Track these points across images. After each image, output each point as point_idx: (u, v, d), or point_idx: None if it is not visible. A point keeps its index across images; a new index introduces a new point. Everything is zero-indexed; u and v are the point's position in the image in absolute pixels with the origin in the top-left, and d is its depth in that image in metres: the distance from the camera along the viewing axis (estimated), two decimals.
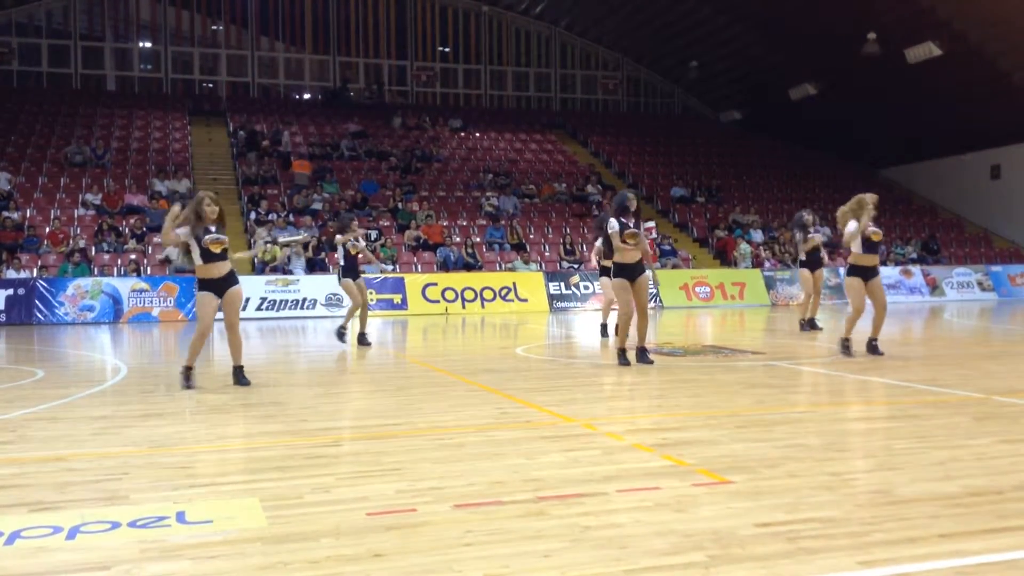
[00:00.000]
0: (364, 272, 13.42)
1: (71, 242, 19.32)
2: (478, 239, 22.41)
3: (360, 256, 12.13)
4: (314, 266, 20.11)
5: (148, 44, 30.72)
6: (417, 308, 19.30)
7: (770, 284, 21.92)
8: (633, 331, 9.26)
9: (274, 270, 19.49)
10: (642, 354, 9.13)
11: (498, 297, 20.07)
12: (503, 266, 21.61)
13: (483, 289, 20.08)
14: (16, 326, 16.84)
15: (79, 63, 29.51)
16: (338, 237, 12.01)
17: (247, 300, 17.92)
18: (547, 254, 22.58)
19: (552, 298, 20.39)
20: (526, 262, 21.57)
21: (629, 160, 29.41)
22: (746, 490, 4.17)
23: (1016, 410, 6.31)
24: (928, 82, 24.84)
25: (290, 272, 19.52)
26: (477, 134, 29.92)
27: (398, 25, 32.41)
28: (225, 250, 7.74)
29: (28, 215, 20.74)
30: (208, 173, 24.50)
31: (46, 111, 26.54)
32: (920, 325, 15.71)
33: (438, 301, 19.58)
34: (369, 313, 13.11)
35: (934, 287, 23.16)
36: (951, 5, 22.75)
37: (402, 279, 19.72)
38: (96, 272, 18.72)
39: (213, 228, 7.69)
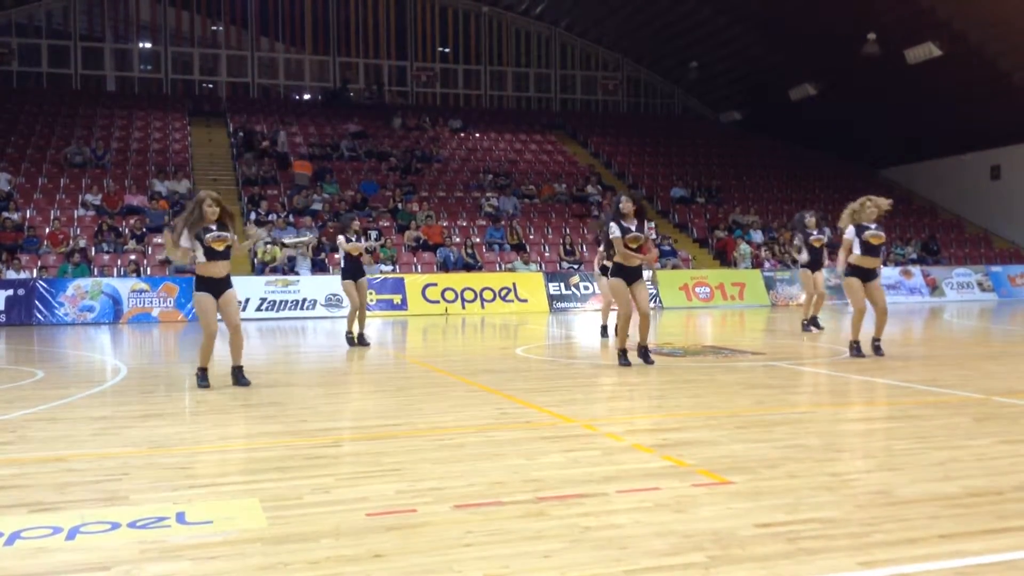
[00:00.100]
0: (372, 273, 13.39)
1: (71, 243, 19.32)
2: (478, 239, 22.41)
3: (361, 256, 12.13)
4: (314, 266, 20.13)
5: (148, 45, 30.73)
6: (417, 308, 19.30)
7: (770, 284, 21.91)
8: (634, 331, 9.25)
9: (274, 270, 19.49)
10: (644, 354, 9.11)
11: (498, 297, 20.07)
12: (503, 266, 21.61)
13: (483, 289, 20.08)
14: (16, 327, 16.84)
15: (79, 64, 29.51)
16: (339, 238, 12.03)
17: (247, 300, 17.94)
18: (547, 255, 22.59)
19: (552, 298, 20.39)
20: (526, 262, 21.57)
21: (629, 161, 29.41)
22: (746, 491, 4.17)
23: (1016, 411, 6.31)
24: (928, 82, 24.85)
25: (296, 273, 19.53)
26: (477, 135, 29.93)
27: (398, 25, 32.42)
28: (228, 248, 7.74)
29: (28, 216, 20.74)
30: (208, 174, 24.50)
31: (46, 112, 26.54)
32: (920, 326, 15.70)
33: (438, 301, 19.58)
34: (368, 313, 13.10)
35: (934, 288, 23.17)
36: (951, 5, 22.76)
37: (402, 279, 19.72)
38: (96, 272, 18.73)
39: (214, 227, 7.68)
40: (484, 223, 23.32)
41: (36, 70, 29.28)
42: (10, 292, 17.35)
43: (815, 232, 13.26)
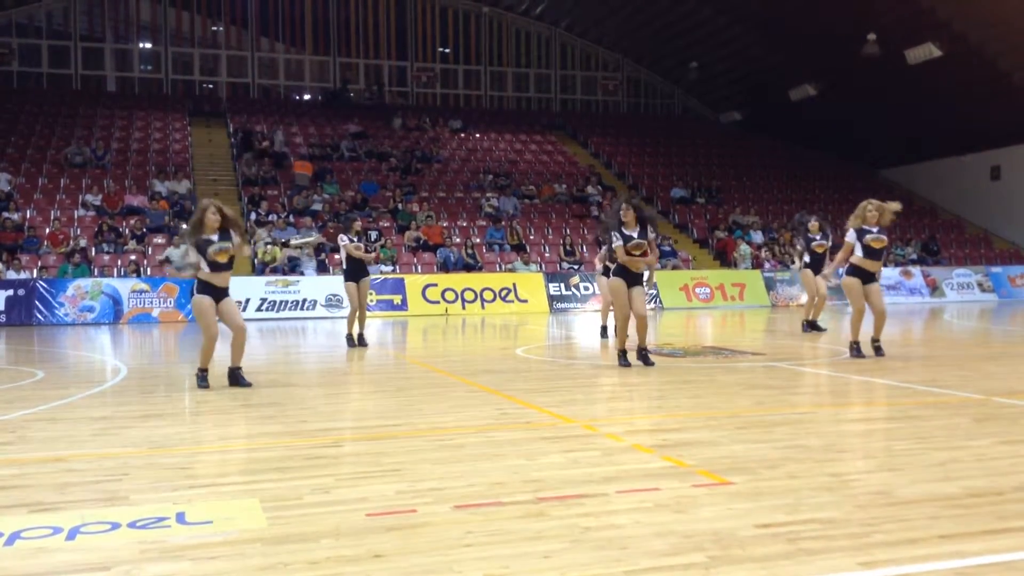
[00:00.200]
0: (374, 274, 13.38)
1: (71, 243, 19.33)
2: (478, 240, 22.41)
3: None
4: (319, 266, 20.16)
5: (148, 45, 30.74)
6: (417, 309, 19.30)
7: (770, 285, 21.91)
8: (633, 332, 9.25)
9: (274, 271, 19.49)
10: (643, 356, 9.11)
11: (498, 298, 20.08)
12: (503, 267, 21.62)
13: (483, 290, 20.08)
14: (16, 327, 16.84)
15: (79, 64, 29.52)
16: (342, 238, 12.03)
17: (247, 300, 17.95)
18: (547, 255, 22.59)
19: (552, 299, 20.39)
20: (526, 263, 21.57)
21: (629, 161, 29.42)
22: (746, 491, 4.17)
23: (1016, 411, 6.31)
24: (928, 83, 24.85)
25: (301, 273, 19.54)
26: (477, 135, 29.94)
27: (398, 26, 32.42)
28: (232, 258, 7.74)
29: (28, 216, 20.74)
30: (208, 174, 24.52)
31: (46, 112, 26.55)
32: (920, 326, 15.70)
33: (438, 302, 19.58)
34: (368, 314, 13.10)
35: (934, 288, 23.17)
36: (951, 5, 22.76)
37: (402, 280, 19.72)
38: (96, 273, 18.73)
39: (215, 237, 7.67)
40: (484, 223, 23.32)
41: (36, 70, 29.29)
42: (10, 292, 17.35)
43: (818, 237, 13.30)
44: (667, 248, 22.90)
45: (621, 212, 8.97)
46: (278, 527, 3.68)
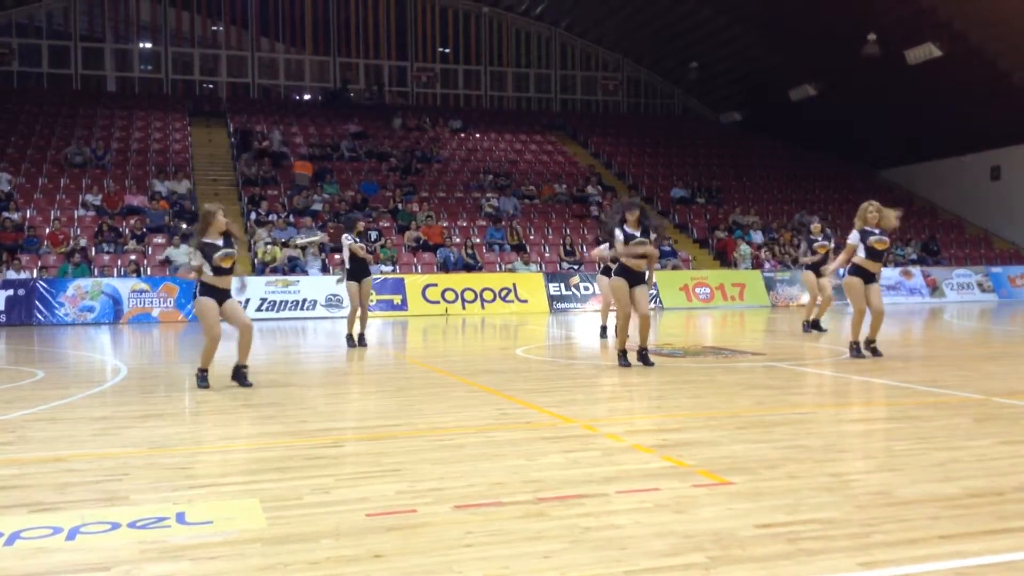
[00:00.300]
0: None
1: (71, 243, 19.33)
2: (478, 240, 22.41)
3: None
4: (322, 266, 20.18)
5: (148, 45, 30.73)
6: (417, 309, 19.30)
7: (770, 285, 21.91)
8: (634, 332, 9.25)
9: (274, 271, 19.49)
10: (643, 357, 9.10)
11: (498, 298, 20.07)
12: (503, 267, 21.62)
13: (483, 290, 20.08)
14: (16, 327, 16.84)
15: (79, 64, 29.51)
16: (346, 239, 12.03)
17: (247, 301, 17.94)
18: (547, 255, 22.59)
19: (552, 299, 20.39)
20: (526, 263, 21.57)
21: (629, 161, 29.41)
22: (746, 491, 4.17)
23: (1016, 412, 6.31)
24: (928, 83, 24.84)
25: (304, 273, 19.54)
26: (477, 135, 29.93)
27: (398, 26, 32.42)
28: (234, 263, 7.86)
29: (28, 216, 20.74)
30: (208, 174, 24.51)
31: (46, 112, 26.55)
32: (920, 326, 15.71)
33: (438, 302, 19.58)
34: (369, 314, 13.10)
35: (934, 288, 23.16)
36: (951, 5, 22.76)
37: (402, 280, 19.72)
38: (96, 273, 18.73)
39: (220, 242, 7.73)
40: (484, 223, 23.32)
41: (36, 70, 29.28)
42: (10, 292, 17.35)
43: (819, 239, 13.39)
44: (667, 248, 22.89)
45: (626, 211, 8.98)
46: (278, 527, 3.68)
